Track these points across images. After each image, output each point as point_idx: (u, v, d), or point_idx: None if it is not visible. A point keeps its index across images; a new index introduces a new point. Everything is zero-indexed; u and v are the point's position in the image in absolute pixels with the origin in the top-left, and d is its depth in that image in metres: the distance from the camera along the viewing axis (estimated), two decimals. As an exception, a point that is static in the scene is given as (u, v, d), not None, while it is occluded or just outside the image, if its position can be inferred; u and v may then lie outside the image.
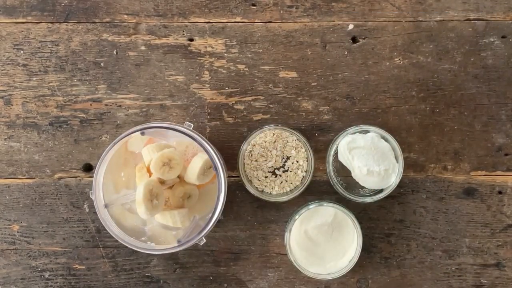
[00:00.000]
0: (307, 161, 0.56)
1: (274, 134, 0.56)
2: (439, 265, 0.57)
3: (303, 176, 0.56)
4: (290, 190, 0.56)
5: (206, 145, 0.48)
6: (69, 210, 0.58)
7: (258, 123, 0.58)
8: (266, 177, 0.56)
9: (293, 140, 0.56)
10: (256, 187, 0.56)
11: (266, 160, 0.56)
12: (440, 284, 0.57)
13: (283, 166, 0.56)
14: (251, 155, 0.56)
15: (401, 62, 0.58)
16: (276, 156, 0.56)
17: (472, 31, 0.58)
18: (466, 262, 0.57)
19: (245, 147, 0.55)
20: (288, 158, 0.56)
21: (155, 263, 0.58)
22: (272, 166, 0.56)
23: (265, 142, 0.56)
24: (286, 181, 0.56)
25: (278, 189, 0.56)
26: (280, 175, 0.56)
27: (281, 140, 0.56)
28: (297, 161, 0.56)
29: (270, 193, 0.56)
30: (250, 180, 0.56)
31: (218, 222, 0.57)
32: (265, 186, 0.56)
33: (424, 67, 0.58)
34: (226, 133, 0.58)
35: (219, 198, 0.48)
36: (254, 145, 0.56)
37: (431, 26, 0.58)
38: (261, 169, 0.56)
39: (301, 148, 0.56)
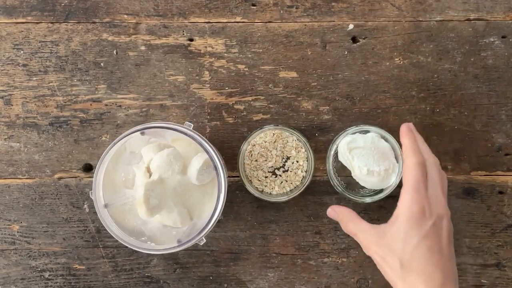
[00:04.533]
0: (307, 161, 0.56)
1: (274, 134, 0.56)
2: (439, 265, 0.57)
3: (303, 176, 0.56)
4: (290, 190, 0.56)
5: (206, 145, 0.48)
6: (69, 210, 0.58)
7: (258, 123, 0.58)
8: (266, 177, 0.56)
9: (293, 140, 0.56)
10: (256, 187, 0.56)
11: (266, 160, 0.56)
12: (440, 284, 0.57)
13: (283, 166, 0.56)
14: (251, 155, 0.56)
15: (401, 62, 0.58)
16: (276, 156, 0.56)
17: (472, 31, 0.58)
18: (466, 262, 0.57)
19: (245, 147, 0.55)
20: (288, 158, 0.56)
21: (155, 263, 0.58)
22: (272, 166, 0.56)
23: (265, 142, 0.56)
24: (286, 181, 0.56)
25: (278, 189, 0.56)
26: (280, 175, 0.56)
27: (281, 140, 0.56)
28: (297, 161, 0.56)
29: (270, 193, 0.56)
30: (250, 180, 0.56)
31: (218, 222, 0.57)
32: (265, 186, 0.56)
33: (424, 67, 0.58)
34: (226, 133, 0.58)
35: (219, 198, 0.48)
36: (254, 145, 0.56)
37: (431, 26, 0.58)
38: (261, 169, 0.56)
39: (301, 148, 0.56)
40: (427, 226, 0.45)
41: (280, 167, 0.56)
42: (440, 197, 0.48)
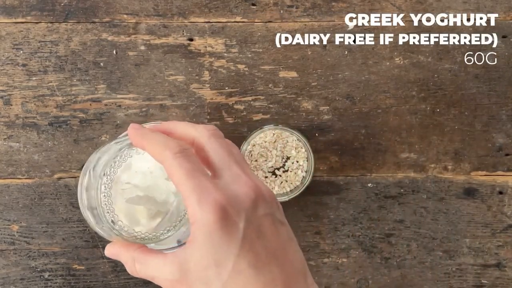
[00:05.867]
0: (307, 161, 0.56)
1: (274, 134, 0.56)
2: (440, 265, 0.57)
3: (303, 176, 0.56)
4: (290, 190, 0.56)
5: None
6: (69, 210, 0.58)
7: (258, 123, 0.58)
8: (266, 177, 0.56)
9: (293, 140, 0.56)
10: None
11: (266, 160, 0.56)
12: (440, 284, 0.57)
13: (283, 166, 0.56)
14: (251, 155, 0.56)
15: (401, 62, 0.58)
16: (276, 156, 0.56)
17: (472, 31, 0.57)
18: (466, 263, 0.57)
19: (245, 147, 0.55)
20: (288, 158, 0.56)
21: (155, 264, 0.57)
22: (272, 166, 0.56)
23: (265, 142, 0.56)
24: (286, 181, 0.56)
25: (278, 189, 0.56)
26: (280, 175, 0.56)
27: (281, 140, 0.56)
28: (297, 161, 0.56)
29: None
30: None
31: (218, 222, 0.57)
32: None
33: (425, 67, 0.58)
34: (226, 133, 0.58)
35: (219, 198, 0.48)
36: (254, 145, 0.56)
37: (431, 26, 0.57)
38: (261, 169, 0.56)
39: (301, 148, 0.56)
40: (239, 234, 0.29)
41: (280, 167, 0.56)
42: (240, 174, 0.31)
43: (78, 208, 0.58)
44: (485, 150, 0.58)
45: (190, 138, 0.33)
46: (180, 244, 0.48)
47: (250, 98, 0.58)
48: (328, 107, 0.58)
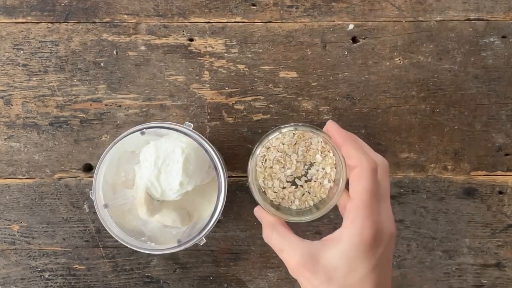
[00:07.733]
0: (335, 168, 0.45)
1: (294, 134, 0.46)
2: (439, 265, 0.57)
3: (330, 187, 0.45)
4: (314, 205, 0.46)
5: (206, 145, 0.48)
6: (69, 210, 0.58)
7: (258, 123, 0.58)
8: (284, 188, 0.46)
9: (318, 142, 0.45)
10: (272, 200, 0.46)
11: (284, 167, 0.46)
12: (440, 284, 0.57)
13: (305, 175, 0.46)
14: (265, 160, 0.46)
15: (401, 62, 0.58)
16: (296, 162, 0.46)
17: (472, 31, 0.58)
18: (466, 262, 0.57)
19: (258, 151, 0.44)
20: (312, 164, 0.46)
21: (155, 263, 0.58)
22: (291, 175, 0.46)
23: (283, 144, 0.46)
24: (309, 193, 0.46)
25: (298, 204, 0.46)
26: (302, 186, 0.46)
27: (303, 142, 0.46)
28: (323, 169, 0.46)
29: (289, 208, 0.46)
30: (264, 191, 0.47)
31: (218, 222, 0.57)
32: (282, 199, 0.46)
33: (424, 67, 0.58)
34: (226, 133, 0.58)
35: (219, 198, 0.48)
36: (269, 148, 0.46)
37: (431, 26, 0.58)
38: (278, 178, 0.46)
39: (329, 152, 0.45)
40: (377, 255, 0.37)
41: (302, 175, 0.46)
42: (390, 210, 0.40)
43: (79, 208, 0.58)
44: (485, 150, 0.58)
45: (362, 158, 0.39)
46: (180, 243, 0.48)
47: (250, 98, 0.58)
48: (328, 107, 0.58)
